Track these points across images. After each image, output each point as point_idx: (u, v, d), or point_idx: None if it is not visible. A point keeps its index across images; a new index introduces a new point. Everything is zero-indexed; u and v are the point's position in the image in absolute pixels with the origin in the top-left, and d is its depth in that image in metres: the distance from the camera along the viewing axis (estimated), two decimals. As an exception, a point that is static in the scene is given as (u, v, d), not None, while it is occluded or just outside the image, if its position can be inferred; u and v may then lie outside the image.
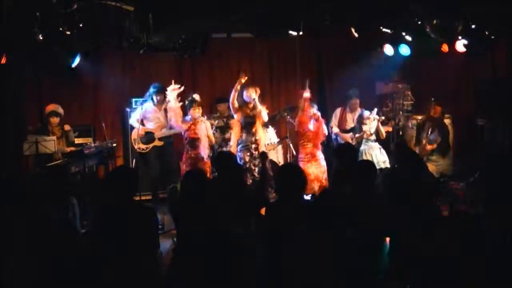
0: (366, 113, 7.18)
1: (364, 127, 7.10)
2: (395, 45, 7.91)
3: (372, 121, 7.05)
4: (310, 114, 6.68)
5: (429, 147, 7.55)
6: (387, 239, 3.93)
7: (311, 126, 6.69)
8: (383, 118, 7.61)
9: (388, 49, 7.98)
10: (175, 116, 6.54)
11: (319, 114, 6.75)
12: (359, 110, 7.57)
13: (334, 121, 7.75)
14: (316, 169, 6.67)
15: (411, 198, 3.75)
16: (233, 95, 6.45)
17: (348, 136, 7.45)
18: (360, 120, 7.22)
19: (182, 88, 6.62)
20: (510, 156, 6.62)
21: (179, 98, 6.60)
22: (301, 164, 6.74)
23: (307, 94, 6.66)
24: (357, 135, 7.15)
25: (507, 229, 3.57)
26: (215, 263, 2.98)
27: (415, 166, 5.06)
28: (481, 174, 7.25)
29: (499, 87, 7.96)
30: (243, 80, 6.39)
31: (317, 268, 3.05)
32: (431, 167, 7.28)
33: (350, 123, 7.65)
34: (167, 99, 6.68)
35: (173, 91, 6.52)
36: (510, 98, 7.58)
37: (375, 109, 7.13)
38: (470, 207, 5.83)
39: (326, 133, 6.97)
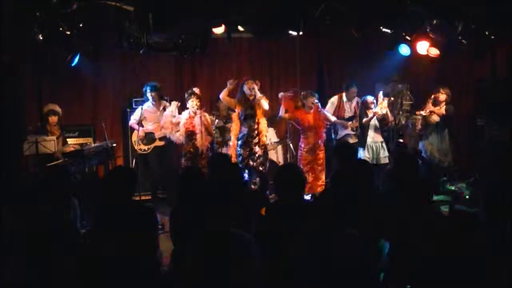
0: (370, 97, 7.16)
1: (374, 109, 7.09)
2: (396, 45, 7.90)
3: (382, 102, 7.04)
4: (309, 104, 6.73)
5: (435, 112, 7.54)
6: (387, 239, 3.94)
7: (311, 116, 6.76)
8: (392, 98, 7.60)
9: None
10: (173, 135, 6.70)
11: (319, 104, 6.81)
12: (356, 99, 7.65)
13: (331, 109, 7.73)
14: (314, 159, 6.72)
15: (411, 198, 3.75)
16: (224, 93, 6.58)
17: (348, 123, 7.52)
18: (365, 105, 7.17)
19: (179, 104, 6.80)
20: (510, 156, 6.63)
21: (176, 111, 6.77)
22: (299, 153, 6.81)
23: (280, 94, 6.90)
24: (365, 119, 7.11)
25: (507, 229, 3.57)
26: (215, 263, 2.98)
27: (415, 166, 5.06)
28: (481, 174, 7.25)
29: (499, 87, 7.97)
30: (230, 82, 6.56)
31: (317, 269, 3.05)
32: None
33: (348, 111, 7.68)
34: (166, 105, 6.80)
35: (176, 106, 6.66)
36: (510, 98, 7.58)
37: (381, 91, 7.14)
38: (470, 207, 5.84)
39: (332, 120, 7.15)
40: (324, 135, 6.93)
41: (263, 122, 6.57)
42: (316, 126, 6.80)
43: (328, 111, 7.64)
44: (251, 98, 6.44)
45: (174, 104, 6.74)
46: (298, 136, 7.15)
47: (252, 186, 6.40)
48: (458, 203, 5.82)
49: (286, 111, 6.91)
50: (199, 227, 3.15)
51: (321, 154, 6.84)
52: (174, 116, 6.72)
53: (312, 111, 6.80)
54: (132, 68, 8.12)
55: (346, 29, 7.51)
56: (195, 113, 6.61)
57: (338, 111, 7.72)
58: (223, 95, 6.63)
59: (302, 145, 6.87)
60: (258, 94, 6.44)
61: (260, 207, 4.24)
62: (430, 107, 7.64)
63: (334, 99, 7.82)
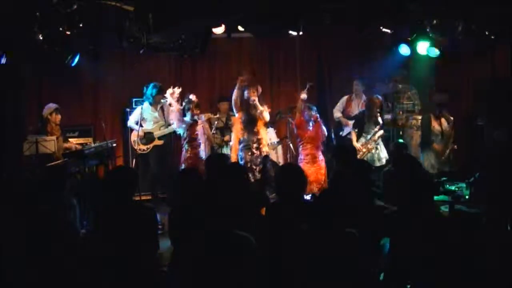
0: (377, 98, 7.03)
1: (363, 145, 6.97)
2: (396, 45, 7.90)
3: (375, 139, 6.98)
4: (308, 116, 6.69)
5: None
6: (387, 239, 3.94)
7: (310, 127, 6.69)
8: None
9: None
10: (177, 120, 6.59)
11: (317, 115, 6.77)
12: (363, 97, 7.65)
13: (339, 106, 7.95)
14: (316, 170, 6.67)
15: (411, 198, 3.75)
16: (236, 94, 6.48)
17: (350, 122, 7.53)
18: (372, 106, 7.00)
19: (180, 89, 6.66)
20: (510, 156, 6.62)
21: (179, 100, 6.66)
22: (301, 165, 6.74)
23: (303, 95, 6.70)
24: (363, 141, 7.03)
25: (507, 229, 3.57)
26: (215, 263, 2.98)
27: (413, 167, 5.06)
28: (481, 174, 7.24)
29: (499, 87, 7.97)
30: (243, 79, 6.43)
31: (317, 268, 3.05)
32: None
33: (355, 109, 7.70)
34: (167, 102, 6.74)
35: (171, 95, 6.58)
36: (510, 98, 7.58)
37: (381, 128, 7.04)
38: (470, 207, 5.83)
39: (326, 134, 6.96)
40: (321, 146, 6.87)
41: (263, 132, 6.56)
42: (315, 137, 6.75)
43: (337, 109, 7.90)
44: (252, 105, 6.44)
45: (169, 92, 6.65)
46: (297, 146, 7.12)
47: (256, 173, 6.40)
48: (458, 203, 5.80)
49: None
50: (199, 227, 3.15)
51: (322, 164, 6.79)
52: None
53: (311, 123, 6.75)
54: (132, 66, 8.13)
55: (346, 29, 7.53)
56: (196, 122, 6.60)
57: (346, 109, 7.90)
58: (235, 98, 6.49)
59: (302, 157, 6.79)
60: (260, 108, 6.42)
61: (260, 207, 4.24)
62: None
63: (344, 98, 8.00)
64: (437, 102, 7.59)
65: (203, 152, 6.62)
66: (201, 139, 6.62)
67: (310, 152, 6.72)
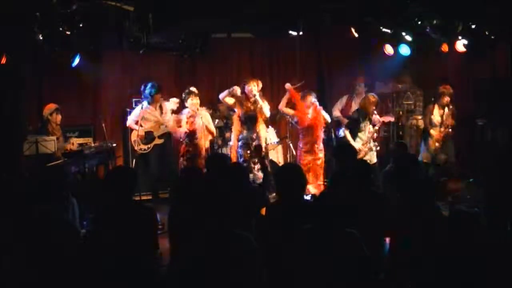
0: (373, 96, 6.98)
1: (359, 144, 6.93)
2: (395, 45, 7.91)
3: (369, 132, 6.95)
4: (308, 103, 6.63)
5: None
6: (387, 239, 3.94)
7: (309, 115, 6.64)
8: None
9: (388, 49, 7.95)
10: (176, 131, 6.67)
11: (317, 103, 6.70)
12: (363, 94, 7.60)
13: (339, 105, 8.00)
14: (313, 159, 6.65)
15: (411, 198, 3.75)
16: (225, 94, 6.49)
17: (346, 120, 7.53)
18: (367, 109, 6.98)
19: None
20: (510, 156, 6.63)
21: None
22: (298, 153, 6.74)
23: (287, 84, 6.68)
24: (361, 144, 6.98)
25: (506, 228, 3.57)
26: (215, 263, 2.98)
27: (413, 167, 5.06)
28: (481, 174, 7.24)
29: (499, 87, 7.97)
30: (238, 92, 6.43)
31: (317, 269, 3.05)
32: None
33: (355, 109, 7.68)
34: (164, 110, 6.80)
35: (175, 103, 6.63)
36: (510, 98, 7.58)
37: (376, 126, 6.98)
38: (470, 207, 5.84)
39: (329, 120, 6.90)
40: (322, 135, 6.83)
41: (262, 128, 6.55)
42: (314, 126, 6.71)
43: (336, 107, 7.89)
44: (252, 100, 6.43)
45: (173, 101, 6.72)
46: (298, 136, 7.12)
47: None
48: (458, 203, 5.81)
49: (288, 104, 6.81)
50: (199, 227, 3.15)
51: (321, 154, 6.76)
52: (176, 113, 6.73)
53: (311, 110, 6.70)
54: (132, 66, 8.13)
55: (346, 29, 7.53)
56: (195, 112, 6.60)
57: (345, 108, 7.89)
58: (223, 96, 6.57)
59: (301, 145, 6.79)
60: (260, 102, 6.41)
61: (260, 207, 4.24)
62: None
63: (343, 98, 8.03)
64: None
65: (202, 145, 6.61)
66: (199, 131, 6.60)
67: (309, 140, 6.68)
